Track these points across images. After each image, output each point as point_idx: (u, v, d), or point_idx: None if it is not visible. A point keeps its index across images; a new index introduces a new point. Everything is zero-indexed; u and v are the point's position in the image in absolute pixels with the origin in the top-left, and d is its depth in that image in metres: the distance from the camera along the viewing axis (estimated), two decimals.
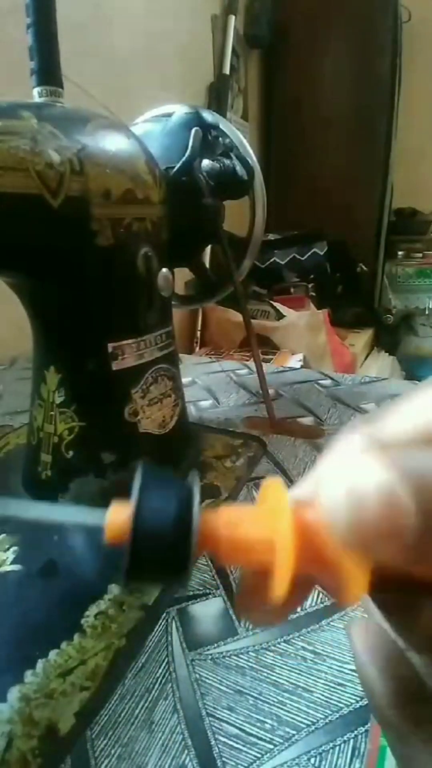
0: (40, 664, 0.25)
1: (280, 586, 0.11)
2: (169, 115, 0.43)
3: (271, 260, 1.73)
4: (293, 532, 0.11)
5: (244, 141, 0.42)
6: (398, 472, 0.09)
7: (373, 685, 0.14)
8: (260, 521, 0.12)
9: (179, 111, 0.42)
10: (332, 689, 0.25)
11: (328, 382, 0.65)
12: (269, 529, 0.11)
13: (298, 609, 0.29)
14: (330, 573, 0.11)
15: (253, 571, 0.12)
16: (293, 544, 0.11)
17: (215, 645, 0.27)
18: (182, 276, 0.46)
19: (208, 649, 0.27)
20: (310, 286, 1.72)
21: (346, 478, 0.10)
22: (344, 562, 0.11)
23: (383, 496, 0.09)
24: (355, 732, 0.23)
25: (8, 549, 0.32)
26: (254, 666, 0.26)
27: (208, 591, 0.30)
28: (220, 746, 0.22)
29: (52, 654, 0.25)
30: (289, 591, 0.11)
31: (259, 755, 0.22)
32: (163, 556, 0.11)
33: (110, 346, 0.34)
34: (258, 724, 0.23)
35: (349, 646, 0.26)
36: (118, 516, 0.11)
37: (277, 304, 1.48)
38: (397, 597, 0.12)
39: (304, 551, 0.11)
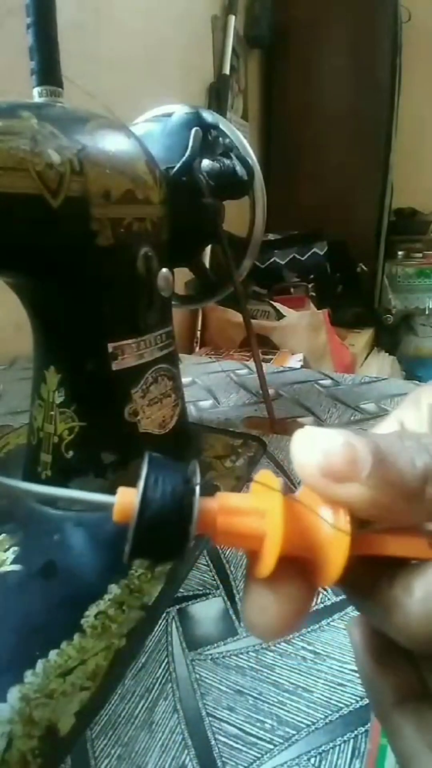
0: (40, 664, 0.25)
1: (267, 564, 0.12)
2: (169, 115, 0.43)
3: (271, 260, 1.73)
4: (282, 517, 0.12)
5: (244, 141, 0.42)
6: (356, 437, 0.12)
7: (374, 683, 0.14)
8: (253, 507, 0.13)
9: (179, 111, 0.42)
10: (332, 689, 0.25)
11: (328, 382, 0.65)
12: (260, 514, 0.13)
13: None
14: (312, 554, 0.12)
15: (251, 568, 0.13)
16: (281, 527, 0.12)
17: (215, 645, 0.27)
18: (182, 276, 0.46)
19: (208, 649, 0.27)
20: (310, 286, 1.72)
21: (318, 440, 0.13)
22: (324, 545, 0.12)
23: (346, 447, 0.12)
24: (355, 732, 0.23)
25: (8, 549, 0.32)
26: (254, 666, 0.26)
27: (208, 591, 0.30)
28: (220, 746, 0.22)
29: (52, 654, 0.25)
30: (290, 596, 0.13)
31: (259, 755, 0.22)
32: (163, 535, 0.12)
33: (110, 346, 0.34)
34: (258, 724, 0.23)
35: (349, 646, 0.26)
36: (125, 498, 0.13)
37: (277, 304, 1.48)
38: (363, 578, 0.13)
39: (290, 534, 0.12)
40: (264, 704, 0.24)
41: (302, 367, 1.18)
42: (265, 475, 0.14)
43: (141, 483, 0.12)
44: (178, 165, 0.38)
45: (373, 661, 0.15)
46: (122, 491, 0.13)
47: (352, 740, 0.22)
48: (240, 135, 0.42)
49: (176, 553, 0.12)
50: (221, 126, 0.42)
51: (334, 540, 0.12)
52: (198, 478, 0.13)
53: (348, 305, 1.86)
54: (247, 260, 0.47)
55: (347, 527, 0.12)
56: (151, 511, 0.12)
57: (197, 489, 0.13)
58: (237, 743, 0.22)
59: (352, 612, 0.29)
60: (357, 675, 0.25)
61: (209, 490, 0.13)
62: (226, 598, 0.30)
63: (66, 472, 0.35)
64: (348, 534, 0.12)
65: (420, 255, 2.04)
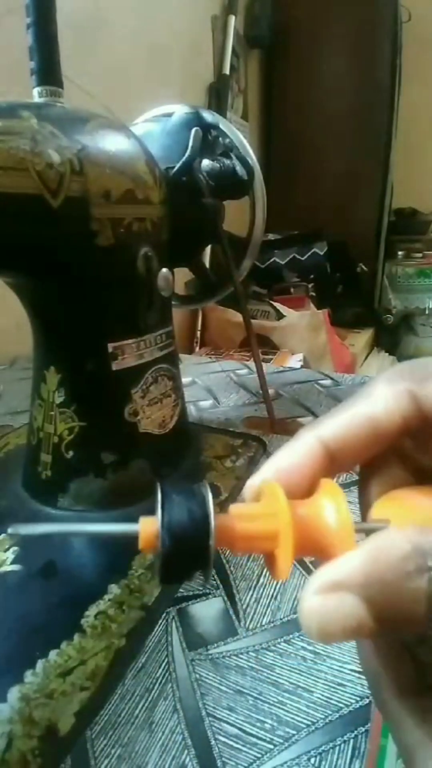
0: (40, 664, 0.25)
1: (284, 570, 0.13)
2: (169, 115, 0.43)
3: (271, 260, 1.73)
4: (292, 525, 0.13)
5: (244, 141, 0.42)
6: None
7: (378, 677, 0.15)
8: (264, 517, 0.14)
9: (179, 111, 0.42)
10: (332, 689, 0.25)
11: (328, 382, 0.65)
12: (273, 523, 0.13)
13: None
14: (322, 555, 0.13)
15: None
16: (292, 534, 0.13)
17: (215, 645, 0.27)
18: (182, 276, 0.46)
19: (208, 649, 0.27)
20: (310, 286, 1.72)
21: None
22: (331, 547, 0.13)
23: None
24: (355, 732, 0.23)
25: (8, 549, 0.32)
26: (254, 666, 0.26)
27: (208, 591, 0.30)
28: (220, 746, 0.22)
29: (52, 654, 0.25)
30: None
31: (259, 755, 0.22)
32: (189, 556, 0.13)
33: (110, 346, 0.34)
34: (258, 724, 0.23)
35: (349, 646, 0.26)
36: (148, 527, 0.13)
37: (277, 304, 1.48)
38: None
39: (301, 539, 0.13)
40: (264, 704, 0.24)
41: (302, 367, 1.18)
42: (269, 485, 0.14)
43: (159, 511, 0.13)
44: (178, 165, 0.38)
45: (377, 651, 0.15)
46: (144, 521, 0.14)
47: (352, 740, 0.22)
48: (240, 135, 0.42)
49: (202, 569, 0.13)
50: (221, 126, 0.42)
51: (337, 538, 0.13)
52: (210, 496, 0.14)
53: (348, 305, 1.86)
54: (247, 260, 0.47)
55: (349, 527, 0.13)
56: (175, 537, 0.13)
57: (211, 508, 0.13)
58: (237, 743, 0.22)
59: None
60: (357, 675, 0.25)
61: (222, 506, 0.14)
62: (226, 598, 0.30)
63: (66, 472, 0.35)
64: (351, 534, 0.12)
65: (420, 255, 2.04)
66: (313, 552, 0.13)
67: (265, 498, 0.14)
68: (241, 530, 0.14)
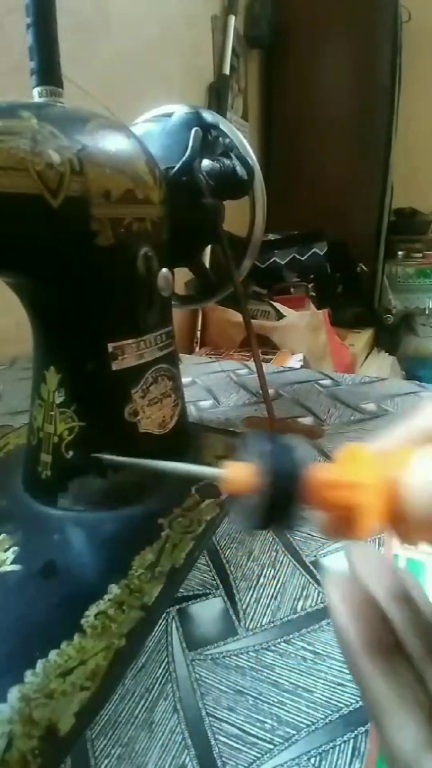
0: (40, 664, 0.25)
1: (365, 531, 0.14)
2: (169, 115, 0.43)
3: (271, 260, 1.73)
4: (378, 492, 0.14)
5: (244, 141, 0.42)
6: None
7: (347, 633, 0.15)
8: (353, 479, 0.14)
9: (179, 111, 0.42)
10: (332, 689, 0.25)
11: (328, 382, 0.65)
12: (359, 488, 0.14)
13: (299, 608, 0.29)
14: (399, 523, 0.14)
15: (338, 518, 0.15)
16: (377, 500, 0.14)
17: (215, 645, 0.27)
18: (182, 276, 0.46)
19: (208, 649, 0.27)
20: (310, 286, 1.72)
21: None
22: (408, 519, 0.13)
23: None
24: (355, 732, 0.23)
25: (8, 549, 0.32)
26: (254, 666, 0.26)
27: (208, 591, 0.30)
28: (220, 746, 0.22)
29: (52, 654, 0.25)
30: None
31: (259, 755, 0.22)
32: (284, 505, 0.14)
33: (110, 346, 0.34)
34: (258, 724, 0.23)
35: None
36: (239, 472, 0.14)
37: (277, 304, 1.48)
38: None
39: (384, 504, 0.14)
40: (264, 704, 0.24)
41: (302, 367, 1.18)
42: (355, 449, 0.15)
43: (258, 458, 0.14)
44: (178, 165, 0.38)
45: (349, 611, 0.16)
46: (233, 466, 0.14)
47: (352, 740, 0.22)
48: (240, 135, 0.42)
49: (293, 518, 0.14)
50: (221, 126, 0.42)
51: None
52: (305, 451, 0.15)
53: (348, 305, 1.86)
54: (247, 260, 0.47)
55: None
56: (276, 484, 0.14)
57: (307, 461, 0.14)
58: (237, 743, 0.22)
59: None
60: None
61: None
62: (226, 598, 0.30)
63: (66, 472, 0.35)
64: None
65: (420, 255, 2.04)
66: (389, 519, 0.14)
67: (353, 460, 0.15)
68: (329, 495, 0.14)
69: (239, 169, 0.41)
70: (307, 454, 0.15)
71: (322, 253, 1.75)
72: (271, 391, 0.59)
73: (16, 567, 0.31)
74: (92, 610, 0.28)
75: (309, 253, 1.75)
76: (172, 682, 0.25)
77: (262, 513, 0.14)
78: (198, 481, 0.40)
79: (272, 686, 0.25)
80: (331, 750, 0.22)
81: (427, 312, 2.06)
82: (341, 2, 1.79)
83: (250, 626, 0.28)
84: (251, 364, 0.72)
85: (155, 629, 0.28)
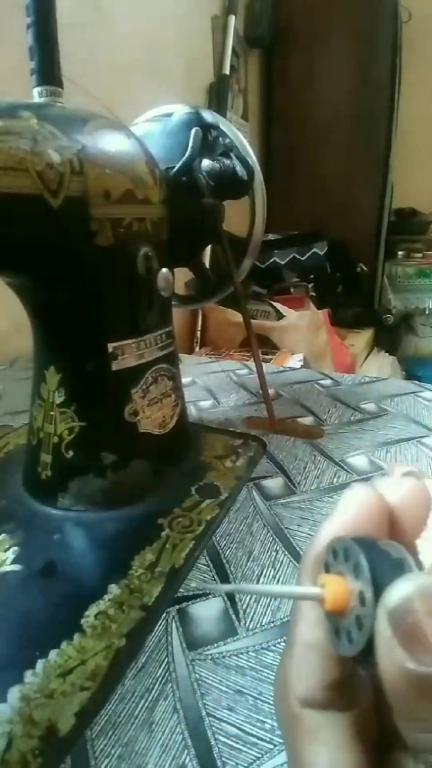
0: (40, 664, 0.25)
1: None
2: (169, 115, 0.43)
3: (271, 260, 1.73)
4: None
5: (244, 141, 0.42)
6: None
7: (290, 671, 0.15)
8: None
9: (179, 111, 0.42)
10: None
11: (328, 382, 0.65)
12: None
13: None
14: None
15: None
16: None
17: (215, 645, 0.27)
18: (182, 276, 0.46)
19: (208, 649, 0.27)
20: (310, 286, 1.72)
21: None
22: None
23: None
24: None
25: (8, 549, 0.32)
26: (254, 666, 0.26)
27: (208, 591, 0.30)
28: (220, 746, 0.22)
29: (52, 654, 0.25)
30: None
31: (259, 755, 0.22)
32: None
33: (110, 346, 0.34)
34: (258, 724, 0.23)
35: None
36: (338, 588, 0.12)
37: (277, 304, 1.48)
38: None
39: None
40: (264, 704, 0.24)
41: (302, 367, 1.18)
42: None
43: (366, 575, 0.12)
44: (178, 165, 0.38)
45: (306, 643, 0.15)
46: (329, 581, 0.13)
47: None
48: (240, 135, 0.42)
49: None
50: (221, 126, 0.42)
51: None
52: (412, 561, 0.12)
53: (348, 305, 1.86)
54: (247, 260, 0.47)
55: None
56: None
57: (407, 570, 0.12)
58: (237, 743, 0.22)
59: None
60: None
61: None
62: (226, 598, 0.30)
63: (66, 472, 0.35)
64: None
65: (420, 255, 2.04)
66: None
67: None
68: None
69: (239, 169, 0.41)
70: (407, 560, 0.12)
71: (322, 253, 1.75)
72: (271, 391, 0.59)
73: (16, 567, 0.31)
74: (92, 610, 0.28)
75: (309, 253, 1.75)
76: (172, 682, 0.25)
77: (363, 641, 0.12)
78: (200, 483, 0.40)
79: (272, 686, 0.25)
80: None
81: (427, 312, 2.06)
82: (341, 2, 1.79)
83: (250, 626, 0.28)
84: (251, 364, 0.72)
85: (155, 629, 0.28)
